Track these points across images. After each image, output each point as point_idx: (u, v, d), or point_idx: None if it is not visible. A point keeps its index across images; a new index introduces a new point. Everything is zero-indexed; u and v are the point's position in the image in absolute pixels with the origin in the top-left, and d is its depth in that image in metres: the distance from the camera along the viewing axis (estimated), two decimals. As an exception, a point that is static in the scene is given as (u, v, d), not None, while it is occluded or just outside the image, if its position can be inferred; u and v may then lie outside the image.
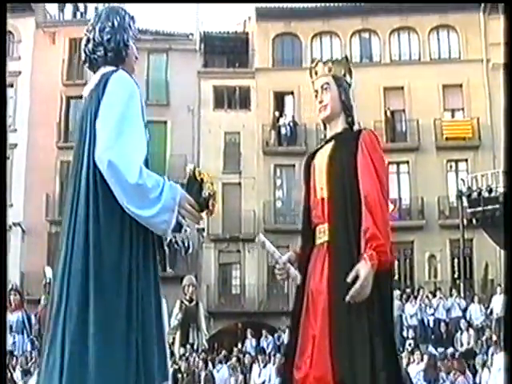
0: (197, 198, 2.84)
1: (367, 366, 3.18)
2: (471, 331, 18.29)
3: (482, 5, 30.03)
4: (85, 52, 3.02)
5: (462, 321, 18.68)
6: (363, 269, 3.14)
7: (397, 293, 19.18)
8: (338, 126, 3.63)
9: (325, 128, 3.73)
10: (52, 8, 32.93)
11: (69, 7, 32.62)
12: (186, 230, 2.85)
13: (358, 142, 3.44)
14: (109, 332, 2.66)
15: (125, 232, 2.75)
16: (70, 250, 2.76)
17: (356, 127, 3.66)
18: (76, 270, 2.72)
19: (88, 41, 3.01)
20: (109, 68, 2.95)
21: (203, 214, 2.91)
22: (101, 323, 2.65)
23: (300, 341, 3.43)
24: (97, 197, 2.74)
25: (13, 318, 10.64)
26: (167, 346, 2.85)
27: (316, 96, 3.70)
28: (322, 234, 3.47)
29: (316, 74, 3.71)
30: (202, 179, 2.89)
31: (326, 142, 3.65)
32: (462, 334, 18.28)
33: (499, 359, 10.09)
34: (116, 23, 2.99)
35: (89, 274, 2.69)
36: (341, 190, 3.42)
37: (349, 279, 3.14)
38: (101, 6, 26.60)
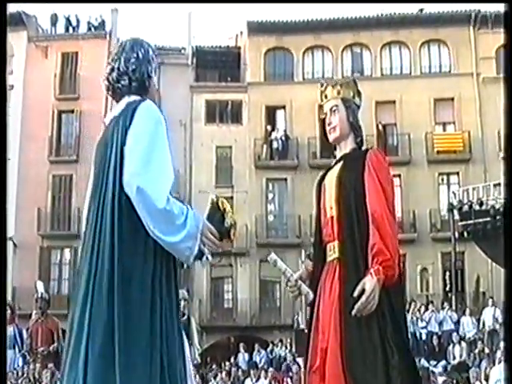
0: (219, 228, 2.92)
1: (381, 376, 3.28)
2: (463, 344, 18.29)
3: (472, 19, 30.28)
4: (108, 80, 3.10)
5: (454, 334, 18.69)
6: (369, 283, 3.26)
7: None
8: (347, 146, 3.76)
9: (335, 149, 3.84)
10: (44, 22, 33.01)
11: (61, 21, 32.67)
12: (207, 258, 2.91)
13: (365, 162, 3.57)
14: (134, 350, 2.70)
15: (148, 253, 2.81)
16: (93, 271, 2.81)
17: (364, 147, 3.79)
18: (101, 291, 2.77)
19: (112, 70, 3.09)
20: (133, 97, 3.05)
21: (229, 243, 3.01)
22: (126, 343, 2.70)
23: (310, 355, 3.54)
24: (121, 220, 2.81)
25: (4, 332, 10.58)
26: (190, 364, 2.89)
27: (325, 118, 3.81)
28: (332, 252, 3.60)
29: (326, 97, 3.83)
30: (224, 209, 2.97)
31: (336, 163, 3.77)
32: (454, 346, 18.28)
33: (496, 372, 10.10)
34: (141, 55, 3.11)
35: (114, 295, 2.75)
36: (349, 208, 3.55)
37: (355, 293, 3.26)
38: (93, 18, 26.34)
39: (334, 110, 3.75)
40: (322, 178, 3.81)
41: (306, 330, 3.73)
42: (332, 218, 3.62)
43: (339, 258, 3.54)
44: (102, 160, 2.96)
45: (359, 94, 3.86)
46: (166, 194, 2.77)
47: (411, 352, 3.54)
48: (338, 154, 3.80)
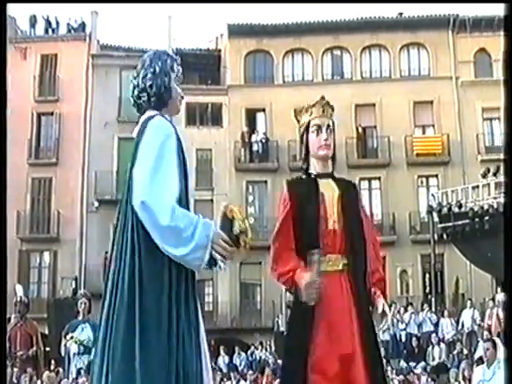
0: (229, 235, 2.98)
1: (381, 379, 3.70)
2: (442, 345, 18.42)
3: (451, 23, 30.53)
4: (132, 97, 3.22)
5: (434, 335, 18.81)
6: (386, 304, 3.78)
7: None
8: (329, 165, 3.95)
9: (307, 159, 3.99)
10: (23, 24, 32.81)
11: (41, 23, 32.50)
12: (220, 266, 2.97)
13: (357, 194, 4.02)
14: (152, 359, 2.81)
15: (164, 270, 2.90)
16: (115, 288, 2.92)
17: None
18: (122, 308, 2.87)
19: (134, 87, 3.20)
20: (150, 113, 3.17)
21: (242, 250, 3.03)
22: (144, 351, 2.81)
23: (323, 361, 3.63)
24: (139, 237, 2.92)
25: (-18, 336, 10.50)
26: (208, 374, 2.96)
27: (318, 131, 3.91)
28: (333, 263, 3.77)
29: (324, 111, 3.97)
30: (233, 217, 3.01)
31: (321, 177, 3.91)
32: (433, 348, 18.40)
33: (479, 372, 10.18)
34: (158, 69, 3.16)
35: (135, 311, 2.85)
36: (353, 228, 3.84)
37: (380, 310, 3.76)
38: (73, 20, 25.94)
39: (331, 130, 3.92)
40: (316, 184, 3.89)
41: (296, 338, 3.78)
42: (335, 231, 3.79)
43: (347, 271, 3.76)
44: (127, 179, 3.07)
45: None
46: (169, 209, 2.82)
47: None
48: (321, 169, 3.91)
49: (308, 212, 3.82)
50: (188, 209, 2.98)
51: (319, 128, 3.89)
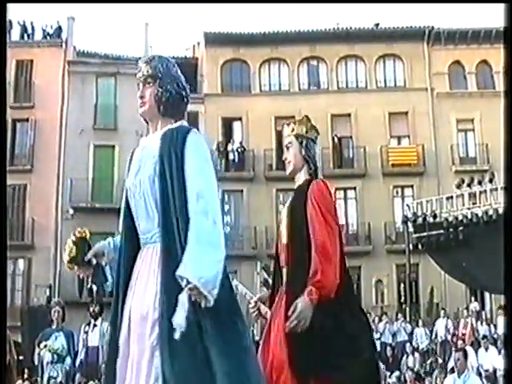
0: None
1: None
2: (417, 355, 18.50)
3: (426, 36, 30.83)
4: None
5: (408, 344, 18.89)
6: (300, 302, 3.51)
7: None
8: (301, 178, 4.00)
9: (293, 179, 4.09)
10: (-2, 30, 32.47)
11: (16, 28, 32.19)
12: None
13: (307, 193, 3.82)
14: None
15: None
16: None
17: (320, 176, 4.03)
18: None
19: None
20: None
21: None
22: None
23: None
24: None
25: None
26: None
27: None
28: (285, 276, 3.85)
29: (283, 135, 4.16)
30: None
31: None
32: (407, 357, 18.47)
33: (449, 381, 10.25)
34: None
35: None
36: (298, 237, 3.79)
37: (289, 312, 3.51)
38: (49, 26, 25.57)
39: (288, 147, 4.05)
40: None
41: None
42: (285, 245, 3.88)
43: (287, 283, 3.80)
44: None
45: (313, 128, 4.12)
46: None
47: None
48: (296, 185, 4.04)
49: (276, 237, 4.13)
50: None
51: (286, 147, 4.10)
